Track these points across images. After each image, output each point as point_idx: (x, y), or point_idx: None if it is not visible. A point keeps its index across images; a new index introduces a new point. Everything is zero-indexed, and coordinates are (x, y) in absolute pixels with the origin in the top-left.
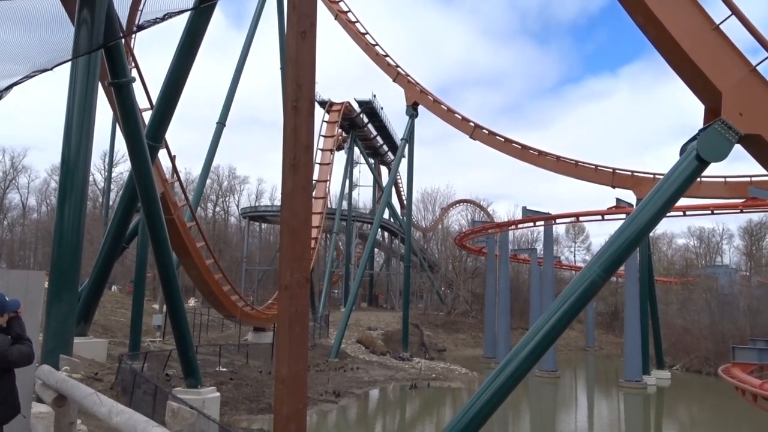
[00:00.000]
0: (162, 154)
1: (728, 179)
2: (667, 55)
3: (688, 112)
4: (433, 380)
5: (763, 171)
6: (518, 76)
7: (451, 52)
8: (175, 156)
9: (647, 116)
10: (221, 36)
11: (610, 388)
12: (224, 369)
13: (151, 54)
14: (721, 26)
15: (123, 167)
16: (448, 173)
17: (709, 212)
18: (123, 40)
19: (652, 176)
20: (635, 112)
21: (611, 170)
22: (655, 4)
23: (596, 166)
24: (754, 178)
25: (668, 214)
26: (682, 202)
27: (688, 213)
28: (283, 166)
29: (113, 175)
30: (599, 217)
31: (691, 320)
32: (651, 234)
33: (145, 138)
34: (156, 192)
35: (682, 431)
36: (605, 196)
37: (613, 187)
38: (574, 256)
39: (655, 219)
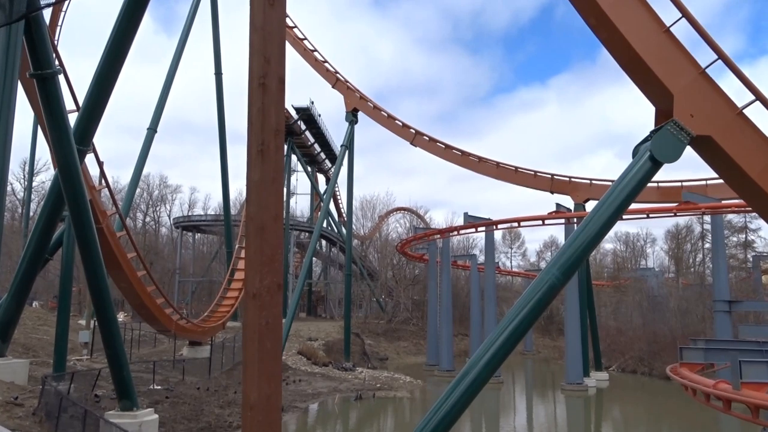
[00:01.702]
0: (89, 160)
1: (661, 184)
2: (619, 57)
3: (612, 121)
4: (378, 390)
5: (694, 176)
6: (452, 84)
7: (385, 59)
8: (103, 162)
9: (574, 126)
10: (150, 41)
11: (553, 391)
12: (159, 387)
13: (75, 56)
14: (671, 28)
15: (45, 176)
16: (384, 181)
17: (645, 216)
18: (47, 32)
19: (588, 182)
20: (563, 121)
21: (550, 176)
22: (608, 6)
23: (535, 172)
24: (685, 183)
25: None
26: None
27: (625, 217)
28: (249, 153)
29: (34, 184)
30: (540, 222)
31: (624, 322)
32: None
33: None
34: (86, 196)
35: (625, 428)
36: (539, 202)
37: (552, 192)
38: (511, 262)
39: (611, 220)
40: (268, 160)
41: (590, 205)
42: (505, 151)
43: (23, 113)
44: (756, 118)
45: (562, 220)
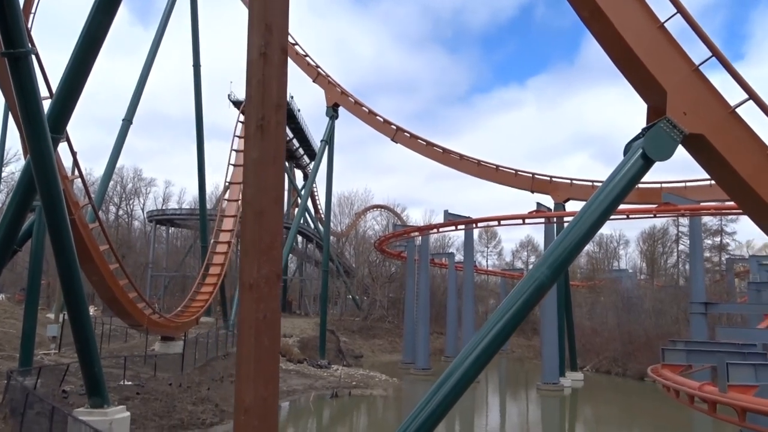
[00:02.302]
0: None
1: (640, 185)
2: (612, 52)
3: (589, 123)
4: (353, 388)
5: (673, 177)
6: (430, 83)
7: (364, 56)
8: (76, 152)
9: (551, 127)
10: (126, 32)
11: (530, 391)
12: (130, 382)
13: (49, 46)
14: (665, 24)
15: (15, 166)
16: (361, 179)
17: (625, 216)
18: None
19: (569, 181)
20: (540, 122)
21: (530, 175)
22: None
23: (516, 171)
24: (664, 185)
25: (565, 219)
26: (577, 207)
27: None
28: (247, 130)
29: (3, 175)
30: (520, 221)
31: (598, 322)
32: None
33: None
34: (59, 185)
35: (601, 428)
36: (517, 201)
37: (533, 191)
38: (487, 261)
39: (602, 218)
40: (269, 137)
41: (570, 205)
42: (482, 151)
43: None
44: (747, 118)
45: (543, 220)
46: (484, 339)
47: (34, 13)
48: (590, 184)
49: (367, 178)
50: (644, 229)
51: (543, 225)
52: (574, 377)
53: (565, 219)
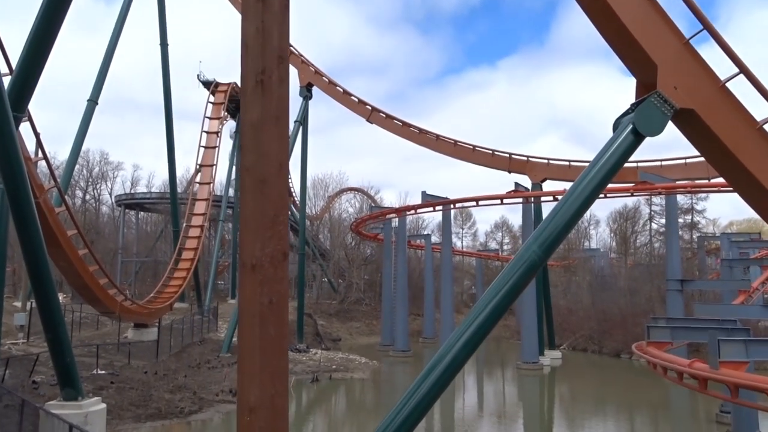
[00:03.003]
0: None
1: None
2: (601, 25)
3: (558, 105)
4: (334, 372)
5: (650, 156)
6: (402, 64)
7: (335, 37)
8: (39, 133)
9: (522, 108)
10: (89, 11)
11: (509, 370)
12: (103, 371)
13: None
14: None
15: None
16: (334, 162)
17: (603, 196)
18: None
19: (546, 161)
20: (511, 103)
21: (507, 155)
22: None
23: (493, 151)
24: (640, 164)
25: (543, 199)
26: (557, 186)
27: (558, 198)
28: (244, 87)
29: None
30: (498, 201)
31: (573, 301)
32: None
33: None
34: (22, 164)
35: (584, 404)
36: (492, 183)
37: (510, 171)
38: (462, 242)
39: (593, 194)
40: (270, 94)
41: (548, 185)
42: (453, 133)
43: None
44: (737, 92)
45: (521, 200)
46: (474, 322)
47: None
48: (567, 163)
49: (339, 161)
50: (615, 209)
51: (521, 205)
52: (552, 356)
53: (543, 199)
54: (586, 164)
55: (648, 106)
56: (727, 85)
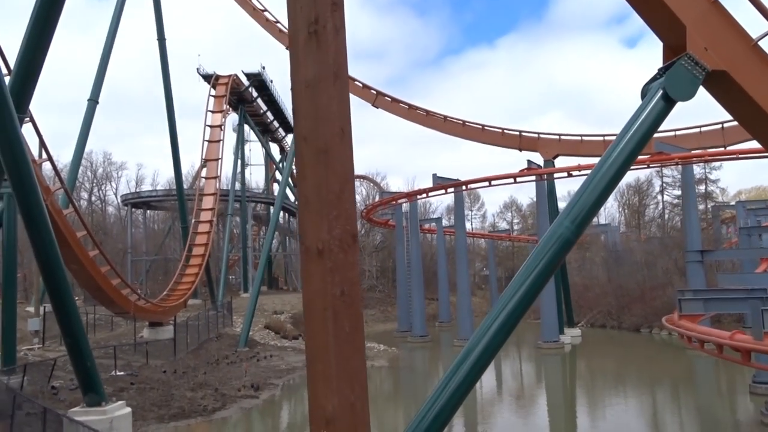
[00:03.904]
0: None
1: (606, 137)
2: None
3: (559, 81)
4: None
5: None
6: (400, 48)
7: None
8: (41, 134)
9: (523, 86)
10: (81, 10)
11: (530, 350)
12: (122, 372)
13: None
14: None
15: None
16: None
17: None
18: None
19: (557, 137)
20: (512, 82)
21: (518, 133)
22: None
23: (502, 129)
24: (656, 134)
25: (556, 176)
26: (590, 159)
27: (573, 174)
28: (294, 42)
29: None
30: (511, 180)
31: (589, 277)
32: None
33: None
34: (29, 164)
35: (609, 381)
36: (496, 162)
37: (521, 149)
38: (472, 224)
39: (625, 164)
40: (326, 47)
41: (560, 161)
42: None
43: None
44: None
45: (534, 177)
46: (508, 304)
47: None
48: (579, 138)
49: None
50: (626, 182)
51: (532, 184)
52: (572, 333)
53: (556, 175)
54: (599, 138)
55: (678, 70)
56: (759, 43)
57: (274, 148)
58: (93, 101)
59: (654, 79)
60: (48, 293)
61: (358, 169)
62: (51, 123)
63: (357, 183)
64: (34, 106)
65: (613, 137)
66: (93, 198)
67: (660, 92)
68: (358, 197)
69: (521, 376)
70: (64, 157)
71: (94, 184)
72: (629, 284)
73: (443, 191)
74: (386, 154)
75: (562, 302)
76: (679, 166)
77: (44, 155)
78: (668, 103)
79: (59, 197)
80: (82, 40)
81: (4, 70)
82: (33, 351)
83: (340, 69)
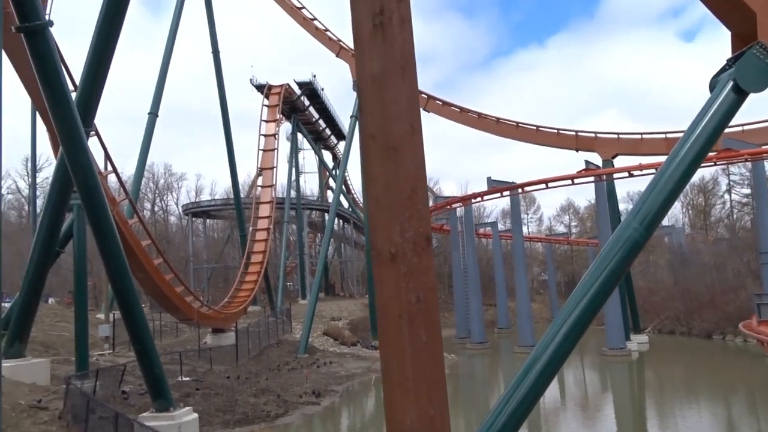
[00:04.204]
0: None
1: (668, 135)
2: None
3: (612, 79)
4: None
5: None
6: (449, 51)
7: None
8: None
9: (575, 86)
10: (138, 25)
11: (594, 357)
12: (187, 378)
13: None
14: None
15: (48, 171)
16: None
17: (654, 171)
18: None
19: (616, 136)
20: (564, 82)
21: (574, 133)
22: None
23: (558, 130)
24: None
25: (615, 176)
26: (628, 161)
27: (634, 173)
28: (358, 34)
29: (38, 180)
30: (568, 182)
31: (653, 281)
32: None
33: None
34: (96, 176)
35: (682, 391)
36: (550, 166)
37: (577, 150)
38: (528, 229)
39: (695, 162)
40: (392, 39)
41: (619, 161)
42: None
43: (20, 108)
44: None
45: (592, 178)
46: (575, 311)
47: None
48: (639, 137)
49: None
50: (691, 181)
51: (590, 185)
52: (639, 340)
53: (615, 176)
54: (660, 136)
55: (749, 59)
56: None
57: (327, 156)
58: (153, 114)
59: (723, 70)
60: (117, 301)
61: None
62: (113, 136)
63: None
64: (97, 120)
65: (676, 134)
66: (156, 208)
67: (730, 84)
68: None
69: (586, 385)
70: (127, 169)
71: (156, 195)
72: (698, 288)
73: (499, 195)
74: (437, 159)
75: (627, 307)
76: (748, 163)
77: (109, 167)
78: (739, 95)
79: (124, 208)
80: (139, 56)
81: (71, 87)
82: (104, 356)
83: (407, 62)
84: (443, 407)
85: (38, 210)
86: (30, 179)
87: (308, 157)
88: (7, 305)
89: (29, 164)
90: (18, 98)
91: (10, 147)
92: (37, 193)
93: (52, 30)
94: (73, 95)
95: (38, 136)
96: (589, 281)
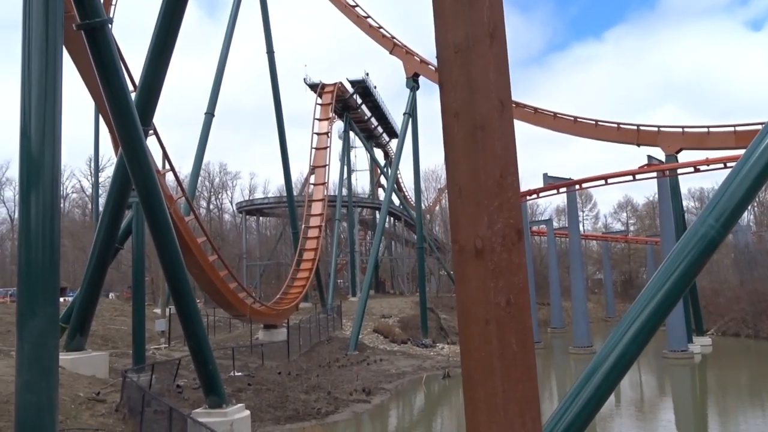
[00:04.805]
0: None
1: (738, 128)
2: None
3: (673, 71)
4: None
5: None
6: None
7: (429, 26)
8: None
9: (633, 79)
10: (194, 30)
11: (654, 360)
12: (239, 373)
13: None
14: None
15: (110, 171)
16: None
17: (722, 166)
18: None
19: (681, 130)
20: (621, 75)
21: (635, 127)
22: None
23: (618, 124)
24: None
25: (680, 172)
26: (693, 156)
27: (703, 168)
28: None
29: (100, 180)
30: (629, 178)
31: (718, 281)
32: (651, 197)
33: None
34: (153, 173)
35: (748, 397)
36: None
37: (638, 145)
38: (583, 226)
39: None
40: (479, 2)
41: (683, 156)
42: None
43: (84, 110)
44: None
45: (655, 174)
46: (644, 312)
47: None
48: (705, 130)
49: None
50: None
51: (653, 181)
52: (701, 342)
53: (679, 171)
54: (728, 129)
55: None
56: None
57: (378, 154)
58: (209, 114)
59: None
60: (172, 297)
61: None
62: (169, 137)
63: None
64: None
65: (746, 128)
66: (211, 206)
67: None
68: None
69: (646, 389)
70: (183, 168)
71: (212, 193)
72: (766, 289)
73: (555, 191)
74: None
75: (689, 308)
76: None
77: (167, 166)
78: None
79: (181, 205)
80: (194, 62)
81: (130, 87)
82: (160, 350)
83: (496, 28)
84: (536, 425)
85: (100, 208)
86: (93, 178)
87: (360, 155)
88: (70, 299)
89: (92, 164)
90: (84, 101)
91: (75, 147)
92: (100, 192)
93: (113, 31)
94: (133, 96)
95: (101, 137)
96: (658, 281)
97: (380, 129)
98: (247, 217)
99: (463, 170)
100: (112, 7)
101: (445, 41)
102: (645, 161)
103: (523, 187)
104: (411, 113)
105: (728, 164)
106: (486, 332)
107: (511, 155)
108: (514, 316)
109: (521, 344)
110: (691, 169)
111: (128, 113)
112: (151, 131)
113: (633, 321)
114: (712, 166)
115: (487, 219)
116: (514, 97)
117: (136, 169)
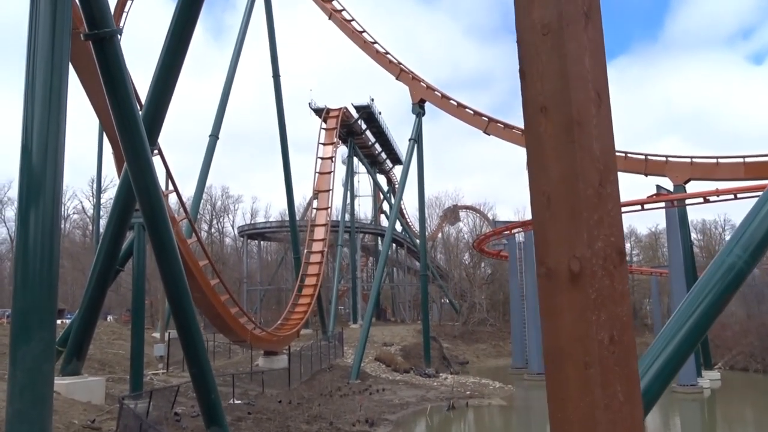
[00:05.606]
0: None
1: (747, 159)
2: None
3: (676, 104)
4: (469, 398)
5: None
6: (505, 74)
7: (434, 53)
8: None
9: (636, 111)
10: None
11: (664, 394)
12: (239, 401)
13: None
14: None
15: (112, 192)
16: (442, 180)
17: (732, 197)
18: None
19: (689, 160)
20: (624, 107)
21: (643, 156)
22: None
23: (626, 153)
24: None
25: (688, 202)
26: (700, 187)
27: (712, 199)
28: None
29: (102, 201)
30: (638, 207)
31: (725, 314)
32: (654, 228)
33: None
34: (160, 194)
35: None
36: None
37: (646, 174)
38: None
39: None
40: None
41: (691, 186)
42: None
43: (87, 130)
44: None
45: (663, 204)
46: (666, 348)
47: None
48: (714, 161)
49: (446, 179)
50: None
51: (662, 210)
52: (710, 377)
53: (687, 201)
54: (737, 160)
55: None
56: None
57: (381, 180)
58: (214, 137)
59: None
60: (174, 321)
61: (465, 199)
62: (172, 159)
63: (462, 214)
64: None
65: (755, 158)
66: (212, 230)
67: None
68: (464, 228)
69: (657, 425)
70: (185, 191)
71: (213, 216)
72: None
73: None
74: (492, 184)
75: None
76: None
77: (170, 186)
78: None
79: (183, 227)
80: (198, 82)
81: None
82: (158, 376)
83: (591, 8)
84: None
85: (101, 229)
86: (95, 199)
87: (363, 181)
88: (68, 321)
89: (95, 184)
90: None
91: (78, 168)
92: (101, 213)
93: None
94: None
95: (104, 158)
96: (684, 314)
97: (384, 155)
98: (249, 241)
99: (554, 176)
100: (123, 18)
101: (529, 20)
102: (644, 191)
103: (525, 217)
104: (416, 139)
105: (738, 195)
106: (586, 378)
107: (611, 159)
108: (620, 357)
109: (627, 394)
110: (701, 199)
111: (135, 128)
112: (156, 150)
113: (656, 356)
114: (722, 197)
115: (587, 236)
116: (518, 122)
117: (141, 188)
